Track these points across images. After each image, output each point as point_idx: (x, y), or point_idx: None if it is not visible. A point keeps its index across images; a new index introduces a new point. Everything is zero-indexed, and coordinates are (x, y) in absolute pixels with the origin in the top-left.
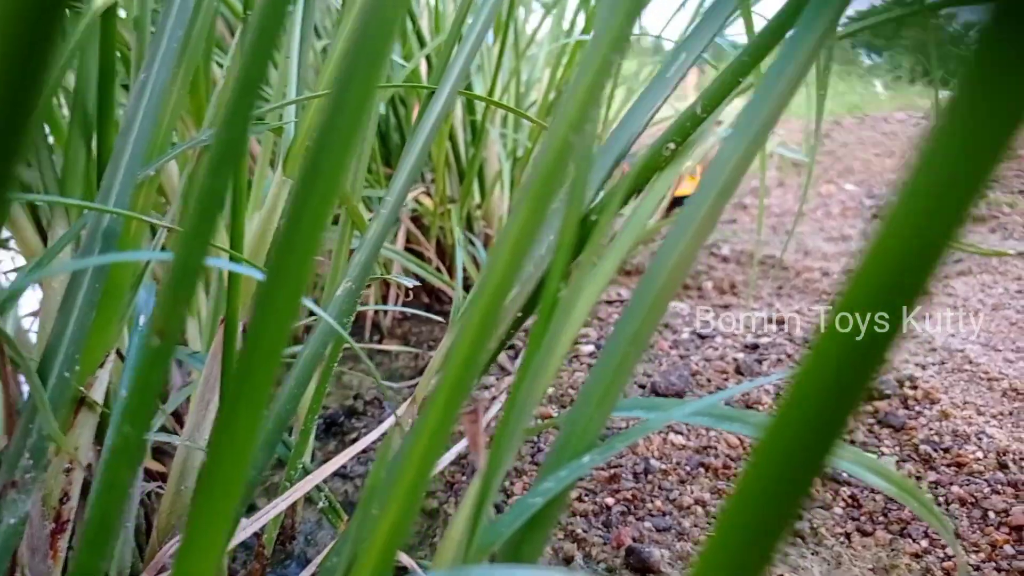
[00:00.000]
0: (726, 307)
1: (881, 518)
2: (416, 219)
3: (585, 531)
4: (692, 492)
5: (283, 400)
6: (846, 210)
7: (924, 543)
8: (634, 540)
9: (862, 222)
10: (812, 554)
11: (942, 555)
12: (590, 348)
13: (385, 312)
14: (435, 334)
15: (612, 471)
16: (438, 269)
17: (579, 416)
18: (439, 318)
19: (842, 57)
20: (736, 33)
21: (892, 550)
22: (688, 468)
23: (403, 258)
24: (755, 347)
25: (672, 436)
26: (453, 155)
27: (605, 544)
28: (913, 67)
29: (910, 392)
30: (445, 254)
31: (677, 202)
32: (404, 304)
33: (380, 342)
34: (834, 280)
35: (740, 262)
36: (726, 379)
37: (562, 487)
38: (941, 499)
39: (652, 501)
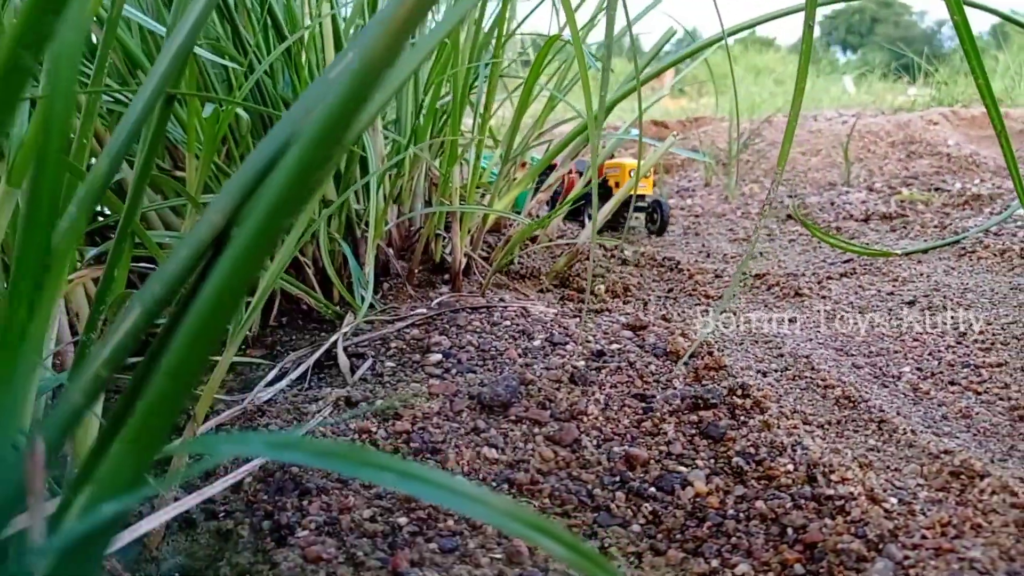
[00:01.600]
0: (599, 312)
1: (678, 535)
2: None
3: (367, 554)
4: None
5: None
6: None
7: (715, 562)
8: (412, 563)
9: (775, 221)
10: None
11: (730, 575)
12: (438, 357)
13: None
14: (315, 341)
15: None
16: (321, 275)
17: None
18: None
19: (816, 55)
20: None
21: (681, 570)
22: (494, 484)
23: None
24: (601, 355)
25: (486, 450)
26: None
27: (382, 568)
28: (887, 63)
29: (739, 401)
30: (334, 259)
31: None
32: (280, 311)
33: (245, 352)
34: (724, 283)
35: (639, 264)
36: (557, 389)
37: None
38: (743, 515)
39: (446, 520)
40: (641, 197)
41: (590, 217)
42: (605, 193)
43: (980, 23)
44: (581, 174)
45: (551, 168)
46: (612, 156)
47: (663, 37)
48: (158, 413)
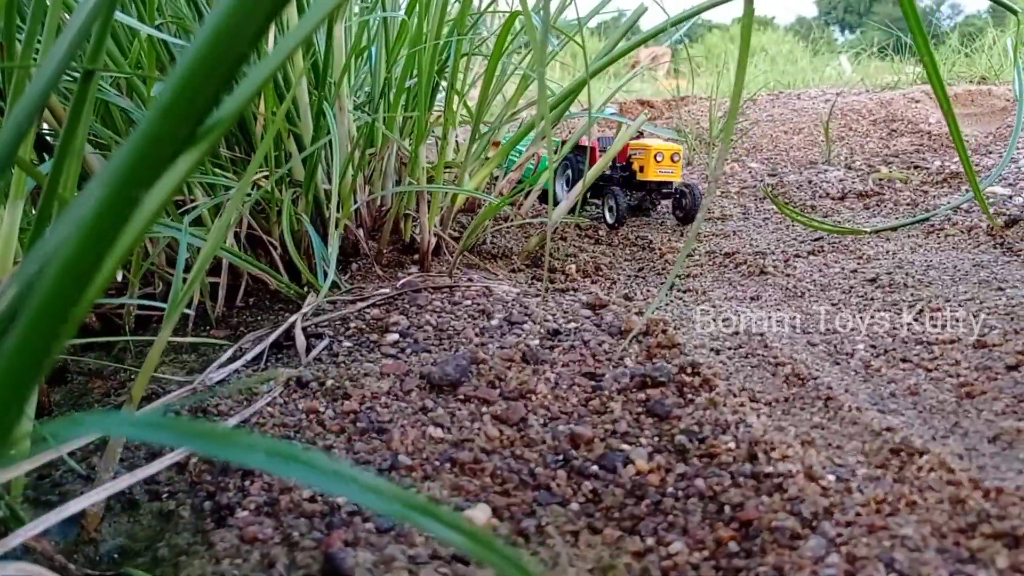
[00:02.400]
0: (564, 291)
1: (616, 514)
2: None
3: (303, 534)
4: (428, 489)
5: None
6: (744, 189)
7: (651, 540)
8: (347, 543)
9: (752, 200)
10: (531, 554)
11: (664, 554)
12: (395, 337)
13: (215, 298)
14: (279, 321)
15: (356, 468)
16: (285, 258)
17: None
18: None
19: (814, 34)
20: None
21: (616, 548)
22: (436, 463)
23: (226, 251)
24: (556, 333)
25: (431, 429)
26: (294, 136)
27: (316, 548)
28: (885, 43)
29: (688, 379)
30: (300, 242)
31: (661, 186)
32: (248, 292)
33: (208, 332)
34: (694, 261)
35: (612, 244)
36: (509, 368)
37: None
38: (681, 493)
39: None
40: (668, 184)
41: (610, 210)
42: (630, 177)
43: (979, 1)
44: (605, 152)
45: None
46: (639, 136)
47: (633, 14)
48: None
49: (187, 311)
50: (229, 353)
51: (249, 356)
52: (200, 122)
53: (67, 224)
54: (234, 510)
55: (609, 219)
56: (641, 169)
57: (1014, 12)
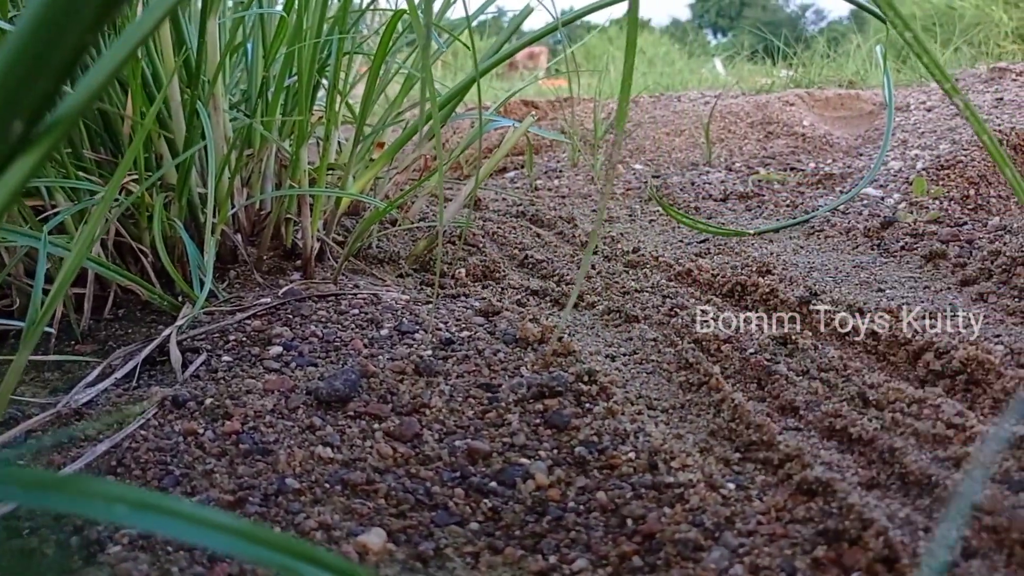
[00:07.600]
0: (456, 297)
1: (517, 532)
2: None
3: (183, 569)
4: (319, 515)
5: None
6: (629, 190)
7: (553, 558)
8: None
9: (638, 202)
10: None
11: (568, 572)
12: (278, 350)
13: (80, 311)
14: (152, 335)
15: (239, 494)
16: (158, 266)
17: None
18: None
19: (688, 37)
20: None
21: (518, 568)
22: (327, 486)
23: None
24: (450, 343)
25: (320, 449)
26: (165, 139)
27: None
28: (755, 46)
29: (585, 387)
30: (174, 249)
31: None
32: (117, 303)
33: (74, 348)
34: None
35: (501, 246)
36: (401, 381)
37: None
38: (583, 507)
39: (273, 528)
40: None
41: None
42: None
43: (841, 8)
44: None
45: None
46: None
47: (519, 15)
48: None
49: (49, 329)
50: (98, 371)
51: (119, 374)
52: (36, 120)
53: None
54: (105, 545)
55: None
56: None
57: (881, 19)
